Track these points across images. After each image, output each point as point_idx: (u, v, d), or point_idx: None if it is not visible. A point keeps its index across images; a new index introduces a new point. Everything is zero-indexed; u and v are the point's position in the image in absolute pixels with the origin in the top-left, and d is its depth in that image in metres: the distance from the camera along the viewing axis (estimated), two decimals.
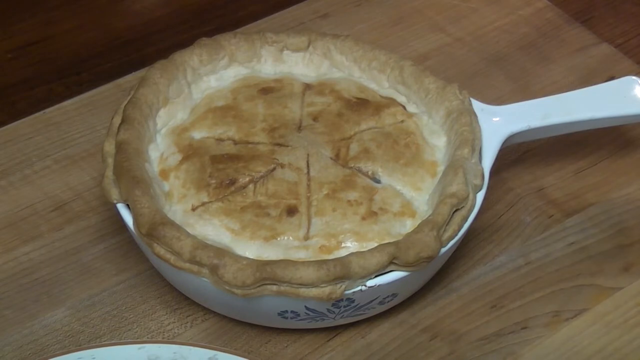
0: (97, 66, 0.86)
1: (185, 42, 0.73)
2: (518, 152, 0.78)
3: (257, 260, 0.58)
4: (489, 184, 0.65)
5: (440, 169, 0.66)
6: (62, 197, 0.73)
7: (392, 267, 0.60)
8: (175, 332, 0.65)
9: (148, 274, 0.68)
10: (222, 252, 0.58)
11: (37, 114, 0.80)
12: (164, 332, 0.65)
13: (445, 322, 0.66)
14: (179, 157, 0.66)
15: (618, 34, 0.87)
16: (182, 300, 0.66)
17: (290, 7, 0.91)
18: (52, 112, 0.80)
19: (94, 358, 0.58)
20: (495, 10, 0.91)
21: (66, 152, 0.77)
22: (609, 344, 0.65)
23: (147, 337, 0.65)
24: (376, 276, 0.59)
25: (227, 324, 0.65)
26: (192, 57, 0.70)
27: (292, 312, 0.61)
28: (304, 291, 0.58)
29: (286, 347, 0.64)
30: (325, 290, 0.58)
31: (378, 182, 0.65)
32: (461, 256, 0.70)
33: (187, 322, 0.65)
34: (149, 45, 0.88)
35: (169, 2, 0.93)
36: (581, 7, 0.92)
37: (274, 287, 0.58)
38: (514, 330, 0.65)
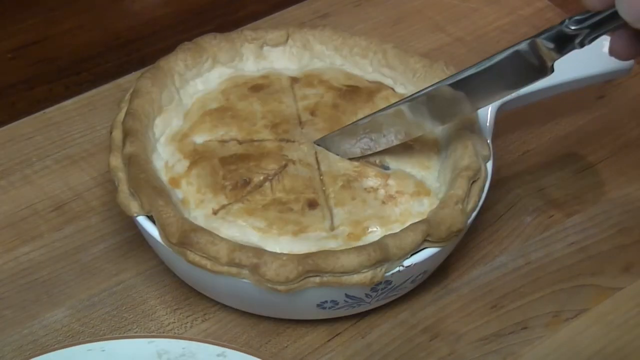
0: (97, 66, 0.86)
1: (185, 41, 0.73)
2: (518, 152, 0.78)
3: (297, 255, 0.59)
4: (490, 182, 0.66)
5: (442, 145, 0.67)
6: (62, 197, 0.73)
7: (425, 244, 0.61)
8: (175, 333, 0.65)
9: (148, 274, 0.68)
10: (260, 251, 0.59)
11: (37, 114, 0.80)
12: (163, 332, 0.65)
13: (445, 322, 0.66)
14: (185, 163, 0.65)
15: None
16: (182, 301, 0.66)
17: (290, 7, 0.91)
18: (52, 112, 0.80)
19: (103, 350, 0.59)
20: (495, 10, 0.91)
21: (66, 152, 0.77)
22: (609, 344, 0.65)
23: None
24: (410, 255, 0.61)
25: (226, 325, 0.65)
26: (177, 63, 0.70)
27: (331, 301, 0.61)
28: (346, 279, 0.59)
29: (286, 347, 0.64)
30: (367, 275, 0.59)
31: (387, 168, 0.66)
32: (461, 256, 0.70)
33: (187, 322, 0.65)
34: (149, 45, 0.88)
35: (169, 2, 0.93)
36: (581, 7, 0.91)
37: (317, 279, 0.59)
38: (514, 331, 0.65)
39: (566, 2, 0.92)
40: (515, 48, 0.60)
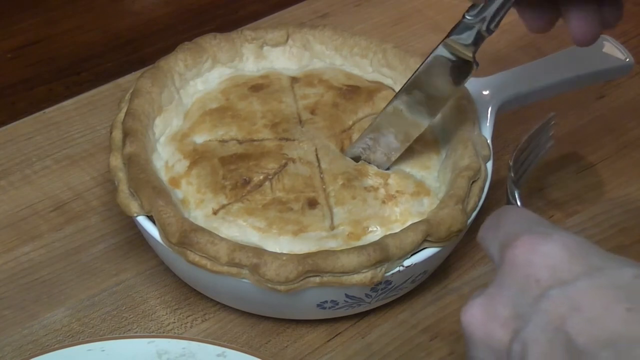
0: (97, 66, 0.86)
1: (185, 42, 0.73)
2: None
3: (297, 255, 0.59)
4: (490, 182, 0.66)
5: (441, 145, 0.67)
6: (62, 197, 0.73)
7: (425, 244, 0.61)
8: (175, 333, 0.65)
9: (148, 274, 0.68)
10: (260, 250, 0.59)
11: (37, 114, 0.80)
12: (163, 332, 0.65)
13: (445, 322, 0.66)
14: (186, 163, 0.65)
15: (618, 34, 0.87)
16: (182, 301, 0.66)
17: (290, 7, 0.91)
18: (52, 112, 0.80)
19: (103, 350, 0.59)
20: None
21: (66, 152, 0.77)
22: None
23: None
24: (411, 255, 0.61)
25: (226, 325, 0.65)
26: (177, 63, 0.70)
27: (331, 301, 0.61)
28: (346, 279, 0.59)
29: (286, 347, 0.64)
30: (367, 275, 0.59)
31: (387, 168, 0.66)
32: (461, 256, 0.70)
33: (187, 322, 0.65)
34: (149, 45, 0.88)
35: (169, 2, 0.93)
36: None
37: (317, 279, 0.59)
38: None
39: None
40: (435, 53, 0.62)
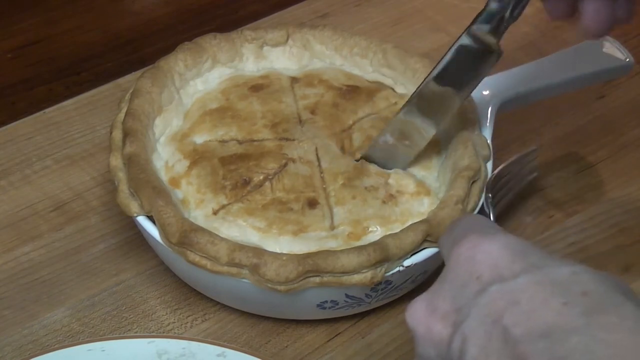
0: (97, 66, 0.86)
1: (185, 42, 0.73)
2: (518, 152, 0.77)
3: (297, 255, 0.59)
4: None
5: (441, 145, 0.67)
6: (62, 197, 0.73)
7: (425, 244, 0.61)
8: (175, 333, 0.65)
9: (148, 274, 0.68)
10: (260, 251, 0.59)
11: (37, 114, 0.80)
12: (163, 332, 0.65)
13: None
14: (186, 163, 0.65)
15: (618, 34, 0.87)
16: (182, 301, 0.66)
17: (290, 7, 0.91)
18: (52, 112, 0.80)
19: (103, 350, 0.59)
20: None
21: (66, 152, 0.77)
22: None
23: None
24: (411, 255, 0.61)
25: (226, 325, 0.65)
26: (177, 63, 0.70)
27: (331, 301, 0.61)
28: (346, 279, 0.59)
29: (286, 347, 0.64)
30: (367, 275, 0.59)
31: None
32: None
33: (187, 322, 0.65)
34: (149, 45, 0.88)
35: (169, 2, 0.93)
36: None
37: (317, 279, 0.59)
38: None
39: None
40: (459, 43, 0.61)
